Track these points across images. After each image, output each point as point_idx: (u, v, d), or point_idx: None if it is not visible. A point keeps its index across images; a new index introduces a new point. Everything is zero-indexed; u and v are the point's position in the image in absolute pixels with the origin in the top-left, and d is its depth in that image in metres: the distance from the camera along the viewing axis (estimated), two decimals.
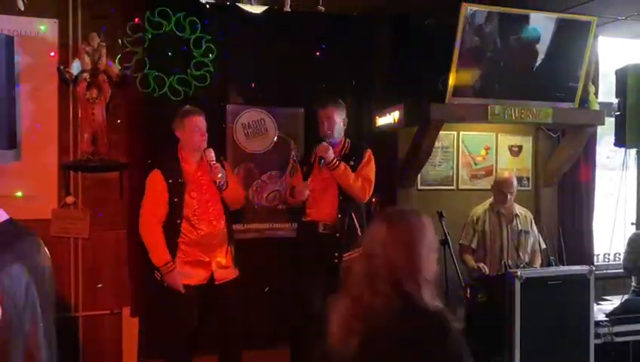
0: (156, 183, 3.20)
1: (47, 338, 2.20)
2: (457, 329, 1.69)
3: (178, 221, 3.20)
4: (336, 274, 3.45)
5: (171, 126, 3.30)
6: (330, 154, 3.43)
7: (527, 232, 4.10)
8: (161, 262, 3.16)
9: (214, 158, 3.25)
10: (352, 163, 3.50)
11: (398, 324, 1.66)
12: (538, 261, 4.09)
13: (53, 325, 2.21)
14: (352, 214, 3.49)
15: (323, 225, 3.48)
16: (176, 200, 3.18)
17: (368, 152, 3.57)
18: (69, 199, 3.67)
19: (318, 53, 4.27)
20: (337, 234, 3.45)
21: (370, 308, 1.69)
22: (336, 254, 3.43)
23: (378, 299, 1.69)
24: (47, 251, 2.43)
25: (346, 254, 3.44)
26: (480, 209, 4.16)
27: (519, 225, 4.08)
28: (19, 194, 3.53)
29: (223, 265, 3.30)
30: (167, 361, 3.33)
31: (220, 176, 3.22)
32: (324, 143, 3.47)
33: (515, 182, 4.09)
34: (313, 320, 3.44)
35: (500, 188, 4.05)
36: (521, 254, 4.04)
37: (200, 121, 3.26)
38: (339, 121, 3.52)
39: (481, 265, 3.95)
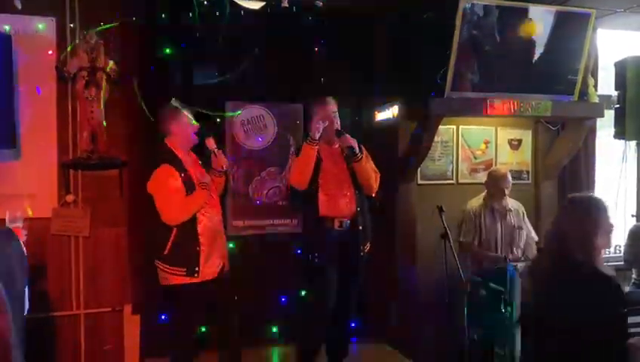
0: (172, 177, 3.14)
1: (16, 325, 2.21)
2: (622, 292, 2.15)
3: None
4: (355, 268, 3.48)
5: (162, 122, 3.28)
6: (356, 144, 3.40)
7: (520, 228, 4.10)
8: (202, 195, 3.15)
9: (216, 146, 3.26)
10: None
11: (569, 284, 2.17)
12: (532, 253, 4.10)
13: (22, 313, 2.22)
14: (366, 207, 3.50)
15: (340, 221, 3.41)
16: (189, 192, 3.16)
17: (363, 147, 3.54)
18: (69, 197, 3.67)
19: (316, 49, 4.27)
20: (360, 227, 3.44)
21: (545, 272, 2.26)
22: (362, 247, 3.46)
23: (551, 265, 2.24)
24: (20, 242, 2.43)
25: (367, 247, 3.49)
26: (475, 203, 4.16)
27: (512, 221, 4.09)
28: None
29: (224, 255, 3.32)
30: (173, 358, 3.31)
31: (225, 162, 3.28)
32: (347, 135, 3.41)
33: (510, 178, 4.10)
34: (327, 318, 3.44)
35: (499, 184, 4.05)
36: (514, 250, 4.05)
37: (191, 116, 3.28)
38: None
39: (504, 255, 3.94)
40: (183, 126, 3.24)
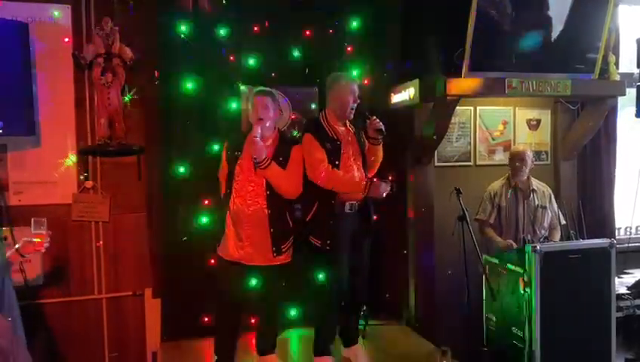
0: (223, 152, 3.37)
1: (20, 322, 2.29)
2: None
3: (229, 191, 3.26)
4: (364, 248, 3.45)
5: None
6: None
7: (544, 208, 4.04)
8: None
9: (258, 134, 3.15)
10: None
11: None
12: (557, 237, 4.04)
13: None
14: None
15: (350, 204, 3.32)
16: (230, 167, 3.28)
17: None
18: (89, 183, 3.72)
19: (331, 31, 4.23)
20: (371, 208, 3.40)
21: None
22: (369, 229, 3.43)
23: None
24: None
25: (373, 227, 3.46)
26: (497, 184, 4.13)
27: (536, 200, 4.03)
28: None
29: (255, 248, 3.22)
30: (217, 336, 3.39)
31: (257, 153, 3.12)
32: (375, 118, 3.30)
33: (529, 153, 4.04)
34: (344, 296, 3.44)
35: (514, 158, 4.02)
36: (537, 229, 3.99)
37: (257, 100, 3.23)
38: None
39: (510, 241, 3.91)
40: (251, 112, 3.27)
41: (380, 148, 3.40)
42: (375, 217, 3.51)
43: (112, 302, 3.82)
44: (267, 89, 3.34)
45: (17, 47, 3.35)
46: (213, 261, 3.50)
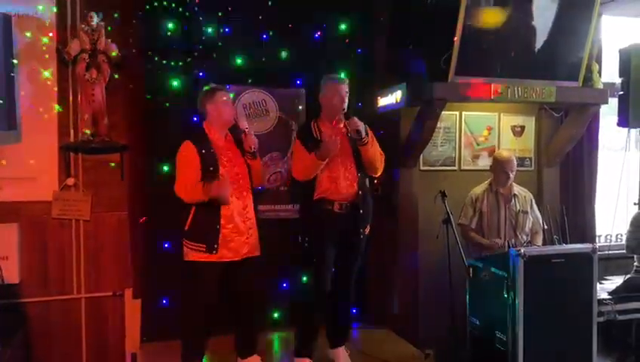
0: (189, 153, 3.18)
1: None
2: None
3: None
4: (354, 249, 3.46)
5: (199, 105, 3.31)
6: (363, 128, 3.33)
7: (525, 213, 4.07)
8: (203, 194, 3.11)
9: (247, 126, 3.26)
10: None
11: None
12: (539, 242, 4.07)
13: None
14: (368, 189, 3.46)
15: (339, 203, 3.37)
16: (212, 168, 3.17)
17: (368, 128, 3.48)
18: (70, 181, 3.65)
19: (319, 33, 4.23)
20: (361, 211, 3.39)
21: None
22: (361, 230, 3.41)
23: None
24: None
25: (366, 229, 3.45)
26: (479, 189, 4.14)
27: (517, 205, 4.06)
28: None
29: (250, 241, 3.30)
30: (185, 339, 3.32)
31: (254, 143, 3.27)
32: (355, 117, 3.32)
33: (515, 161, 4.07)
34: (325, 296, 3.43)
35: (504, 167, 4.02)
36: (518, 234, 4.01)
37: (228, 95, 3.30)
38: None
39: (494, 240, 3.93)
40: (218, 105, 3.24)
41: (369, 148, 3.36)
42: (367, 230, 3.49)
43: (91, 302, 3.74)
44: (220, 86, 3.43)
45: (0, 39, 3.28)
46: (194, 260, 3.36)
